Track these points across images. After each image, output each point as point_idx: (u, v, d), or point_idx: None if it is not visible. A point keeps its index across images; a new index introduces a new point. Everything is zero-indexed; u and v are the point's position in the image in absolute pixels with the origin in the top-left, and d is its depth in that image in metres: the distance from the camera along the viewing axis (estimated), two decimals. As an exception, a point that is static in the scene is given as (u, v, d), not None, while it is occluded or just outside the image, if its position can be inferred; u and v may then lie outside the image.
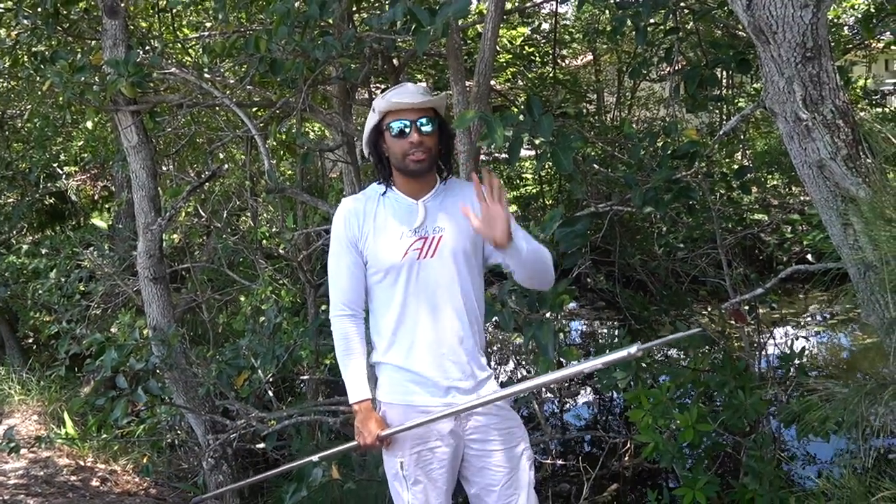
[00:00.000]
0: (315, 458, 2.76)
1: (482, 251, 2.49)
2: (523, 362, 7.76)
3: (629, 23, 3.93)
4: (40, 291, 6.33)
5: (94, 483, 4.99)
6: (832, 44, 2.54)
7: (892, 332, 2.06)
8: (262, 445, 4.39)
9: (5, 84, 7.33)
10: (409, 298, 2.36)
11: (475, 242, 2.45)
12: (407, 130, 2.31)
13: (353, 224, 2.39)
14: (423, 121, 2.32)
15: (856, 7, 9.65)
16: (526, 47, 8.57)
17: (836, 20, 9.15)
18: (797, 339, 7.73)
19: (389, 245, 2.35)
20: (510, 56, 8.26)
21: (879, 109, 9.89)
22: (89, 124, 6.84)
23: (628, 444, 5.05)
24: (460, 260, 2.39)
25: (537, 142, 3.35)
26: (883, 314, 2.11)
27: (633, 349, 2.09)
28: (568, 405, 6.74)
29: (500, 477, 2.45)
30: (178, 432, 5.04)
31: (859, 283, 2.43)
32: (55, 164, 8.62)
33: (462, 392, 2.39)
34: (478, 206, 2.37)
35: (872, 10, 4.68)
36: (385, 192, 2.43)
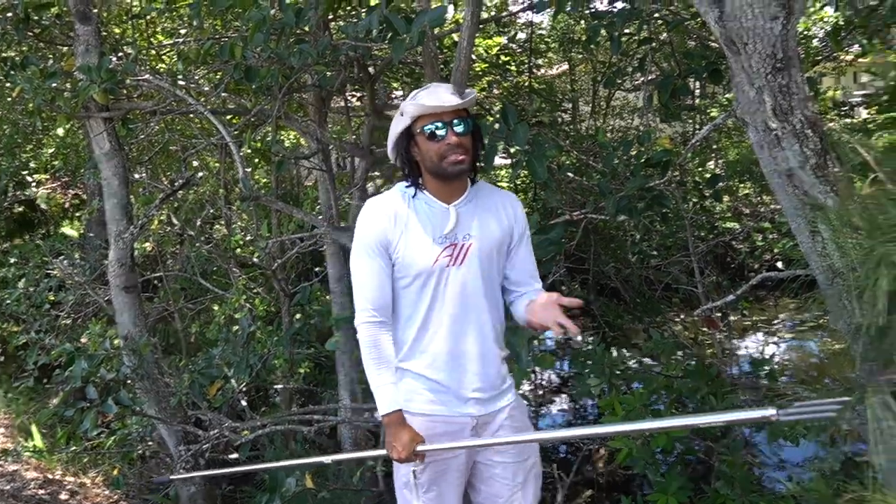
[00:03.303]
0: (327, 459, 2.73)
1: (504, 261, 2.46)
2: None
3: (603, 33, 3.97)
4: (8, 301, 6.24)
5: (63, 496, 4.92)
6: (802, 55, 2.59)
7: (860, 338, 2.09)
8: (235, 456, 4.36)
9: (-27, 90, 7.22)
10: (436, 305, 2.30)
11: (500, 251, 2.40)
12: (441, 132, 2.24)
13: (384, 226, 2.29)
14: (458, 121, 2.25)
15: (825, 20, 9.82)
16: (502, 56, 8.61)
17: (805, 32, 9.29)
18: (768, 345, 7.83)
19: (421, 250, 2.28)
20: (486, 65, 8.28)
21: (848, 120, 10.07)
22: (60, 131, 6.77)
23: (602, 451, 5.09)
24: (486, 269, 2.34)
25: (512, 150, 3.37)
26: (850, 320, 2.15)
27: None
28: (543, 411, 6.77)
29: (507, 490, 2.42)
30: (150, 443, 4.99)
31: (827, 289, 2.47)
32: (25, 172, 8.52)
33: (481, 403, 2.35)
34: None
35: (841, 24, 4.77)
36: (415, 195, 2.34)
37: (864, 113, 10.45)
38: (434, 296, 2.30)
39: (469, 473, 2.45)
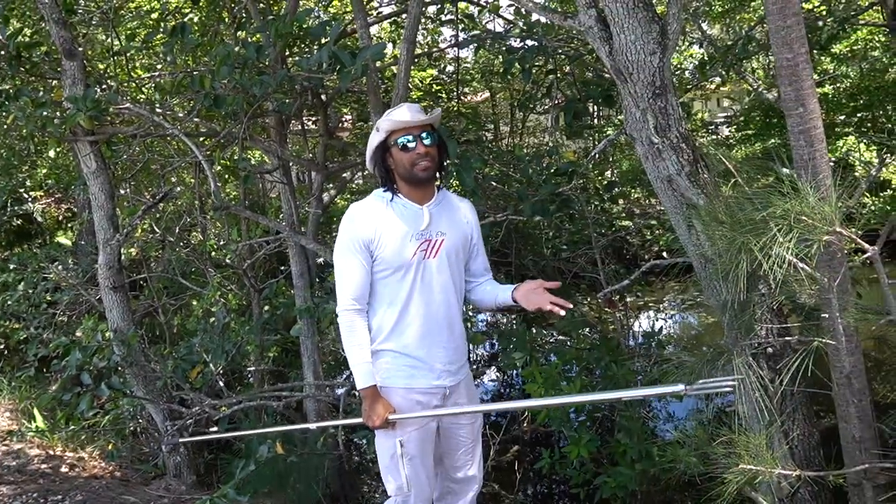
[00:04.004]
0: (313, 426, 2.70)
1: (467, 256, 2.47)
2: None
3: (517, 65, 4.00)
4: (10, 302, 5.97)
5: (64, 469, 4.71)
6: (676, 84, 2.65)
7: (726, 311, 2.16)
8: (215, 429, 4.25)
9: (-28, 119, 6.85)
10: (414, 292, 2.28)
11: (465, 247, 2.41)
12: (412, 144, 2.23)
13: (366, 225, 2.25)
14: (425, 134, 2.25)
15: (693, 55, 10.12)
16: (434, 85, 8.60)
17: (679, 66, 9.55)
18: (657, 320, 8.02)
19: (401, 245, 2.25)
20: (421, 93, 8.26)
21: (714, 136, 10.40)
22: (52, 153, 6.47)
23: (526, 413, 5.12)
24: (454, 261, 2.34)
25: (445, 163, 3.36)
26: (719, 297, 2.21)
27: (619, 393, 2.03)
28: (477, 382, 6.79)
29: (464, 444, 2.46)
30: (140, 421, 4.83)
31: (701, 273, 2.54)
32: (22, 190, 8.15)
33: (450, 374, 2.35)
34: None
35: (706, 59, 4.91)
36: (392, 199, 2.31)
37: (725, 130, 10.81)
38: (412, 284, 2.28)
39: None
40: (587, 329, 5.34)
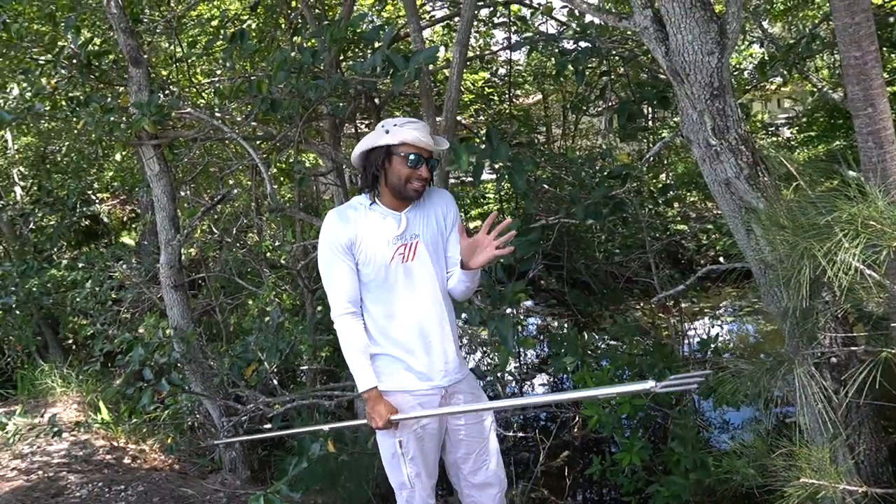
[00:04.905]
0: (325, 427, 2.75)
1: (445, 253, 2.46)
2: (488, 352, 7.75)
3: (570, 67, 3.96)
4: (78, 299, 6.22)
5: (127, 461, 4.89)
6: (735, 84, 2.57)
7: (787, 319, 2.08)
8: (269, 426, 4.34)
9: (46, 124, 7.19)
10: (397, 296, 2.31)
11: (444, 238, 2.43)
12: (419, 164, 2.28)
13: (347, 230, 2.30)
14: (431, 160, 2.33)
15: (753, 55, 9.84)
16: (486, 88, 8.61)
17: (738, 66, 9.30)
18: (713, 327, 7.81)
19: (379, 249, 2.29)
20: (473, 96, 8.28)
21: (774, 138, 10.08)
22: (118, 157, 6.75)
23: (577, 418, 5.06)
24: (433, 260, 2.37)
25: (497, 166, 3.36)
26: (780, 304, 2.13)
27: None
28: (526, 386, 6.74)
29: (475, 446, 2.45)
30: (197, 416, 4.96)
31: (760, 278, 2.47)
32: (89, 192, 8.50)
33: (447, 374, 2.37)
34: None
35: (766, 59, 4.75)
36: (371, 205, 2.36)
37: (787, 132, 10.46)
38: (395, 288, 2.31)
39: (442, 439, 2.46)
40: (640, 335, 5.24)
